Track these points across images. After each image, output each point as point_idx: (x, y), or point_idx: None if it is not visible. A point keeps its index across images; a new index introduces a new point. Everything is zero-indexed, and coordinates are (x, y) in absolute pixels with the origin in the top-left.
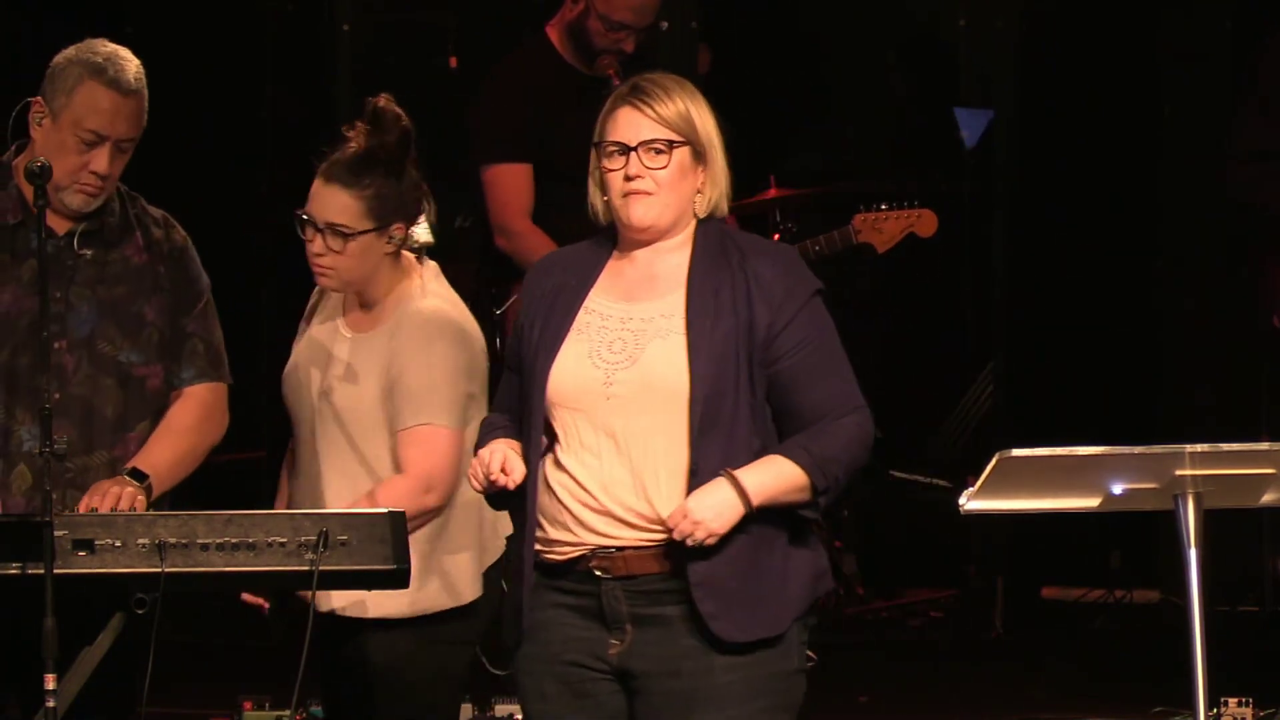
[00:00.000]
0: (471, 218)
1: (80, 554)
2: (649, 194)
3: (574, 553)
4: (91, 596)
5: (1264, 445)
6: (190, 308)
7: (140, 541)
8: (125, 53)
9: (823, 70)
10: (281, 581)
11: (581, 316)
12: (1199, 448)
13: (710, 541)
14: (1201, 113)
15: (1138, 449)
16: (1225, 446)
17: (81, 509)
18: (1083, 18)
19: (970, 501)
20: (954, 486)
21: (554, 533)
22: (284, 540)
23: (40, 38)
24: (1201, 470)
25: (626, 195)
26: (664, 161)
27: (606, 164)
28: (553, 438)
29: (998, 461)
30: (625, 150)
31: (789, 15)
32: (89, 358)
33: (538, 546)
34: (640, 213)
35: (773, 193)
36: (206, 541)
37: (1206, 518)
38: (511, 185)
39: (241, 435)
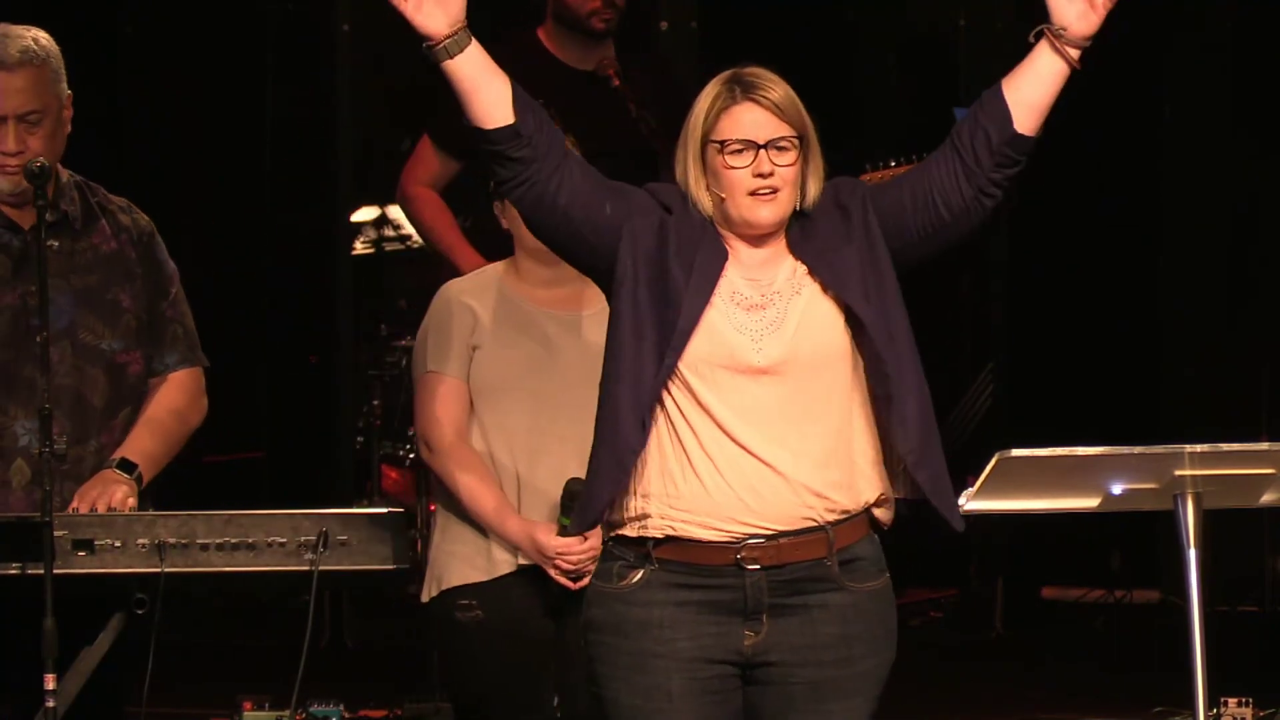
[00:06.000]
0: (470, 218)
1: (80, 554)
2: (776, 191)
3: (721, 540)
4: (91, 596)
5: (1264, 445)
6: (165, 293)
7: (140, 541)
8: (14, 30)
9: (822, 71)
10: (281, 582)
11: (722, 283)
12: (1199, 448)
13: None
14: (1202, 114)
15: (1137, 449)
16: (1225, 446)
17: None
18: None
19: (970, 501)
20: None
21: (695, 523)
22: (284, 540)
23: None
24: (1201, 470)
25: (755, 194)
26: (791, 159)
27: (732, 161)
28: (684, 410)
29: (998, 461)
30: (754, 148)
31: (788, 16)
32: (72, 348)
33: (658, 534)
34: (769, 214)
35: None
36: (206, 541)
37: (1206, 518)
38: (423, 155)
39: (241, 435)
